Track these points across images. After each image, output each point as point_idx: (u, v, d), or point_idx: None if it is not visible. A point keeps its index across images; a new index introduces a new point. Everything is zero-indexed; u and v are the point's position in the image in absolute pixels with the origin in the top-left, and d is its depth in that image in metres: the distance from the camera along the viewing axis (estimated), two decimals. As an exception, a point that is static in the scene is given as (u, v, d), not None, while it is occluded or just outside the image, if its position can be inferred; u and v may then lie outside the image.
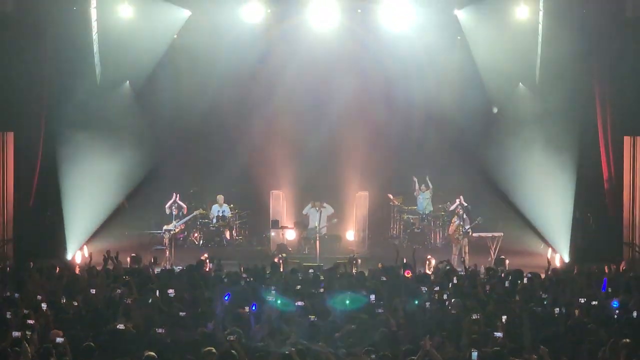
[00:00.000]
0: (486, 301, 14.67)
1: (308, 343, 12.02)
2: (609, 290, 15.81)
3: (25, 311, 12.93)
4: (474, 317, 12.87)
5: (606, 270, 17.81)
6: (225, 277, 16.80)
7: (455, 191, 24.41)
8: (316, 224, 24.29)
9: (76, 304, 14.11)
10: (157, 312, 13.60)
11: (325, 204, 25.09)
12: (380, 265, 18.59)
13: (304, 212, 25.34)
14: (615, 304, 14.12)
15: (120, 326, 12.37)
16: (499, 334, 12.02)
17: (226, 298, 14.50)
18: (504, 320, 13.21)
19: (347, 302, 12.80)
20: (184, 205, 24.11)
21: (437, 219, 25.72)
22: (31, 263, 17.99)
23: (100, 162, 23.77)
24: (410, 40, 24.76)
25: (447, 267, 18.29)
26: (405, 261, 18.44)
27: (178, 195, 23.99)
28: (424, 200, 25.79)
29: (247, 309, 13.62)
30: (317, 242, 23.54)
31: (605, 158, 23.78)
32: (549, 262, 18.89)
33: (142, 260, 19.71)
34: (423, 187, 25.88)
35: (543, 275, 17.35)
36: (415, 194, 25.96)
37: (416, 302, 13.35)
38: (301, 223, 25.04)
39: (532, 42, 24.00)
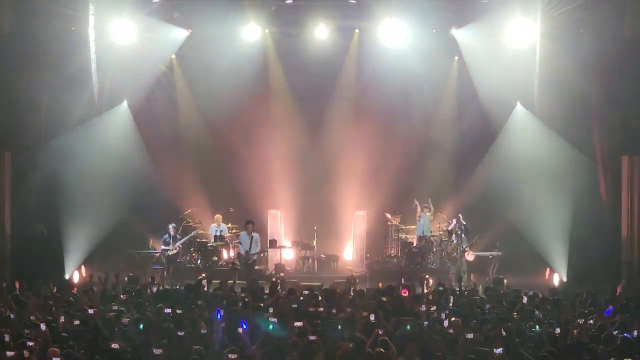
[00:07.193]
0: (483, 320, 14.62)
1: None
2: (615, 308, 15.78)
3: (27, 332, 12.89)
4: (469, 336, 12.84)
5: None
6: (223, 297, 16.74)
7: (453, 211, 24.43)
8: (246, 249, 22.86)
9: (77, 322, 14.06)
10: (155, 332, 13.54)
11: (253, 233, 22.99)
12: (380, 284, 18.54)
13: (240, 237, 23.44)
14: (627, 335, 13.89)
15: (115, 346, 12.31)
16: (498, 351, 11.98)
17: (218, 316, 14.47)
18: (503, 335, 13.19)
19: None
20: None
21: (435, 238, 25.60)
22: (24, 284, 17.88)
23: (98, 181, 23.77)
24: (408, 60, 24.82)
25: (441, 288, 18.21)
26: (403, 281, 18.37)
27: (177, 230, 23.72)
28: (425, 222, 25.36)
29: (241, 330, 13.58)
30: (316, 262, 23.39)
31: (602, 177, 23.77)
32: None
33: (140, 280, 19.65)
34: (425, 209, 25.48)
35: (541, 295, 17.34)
36: (417, 217, 25.15)
37: (408, 327, 13.33)
38: (299, 242, 24.93)
39: (530, 62, 24.02)
